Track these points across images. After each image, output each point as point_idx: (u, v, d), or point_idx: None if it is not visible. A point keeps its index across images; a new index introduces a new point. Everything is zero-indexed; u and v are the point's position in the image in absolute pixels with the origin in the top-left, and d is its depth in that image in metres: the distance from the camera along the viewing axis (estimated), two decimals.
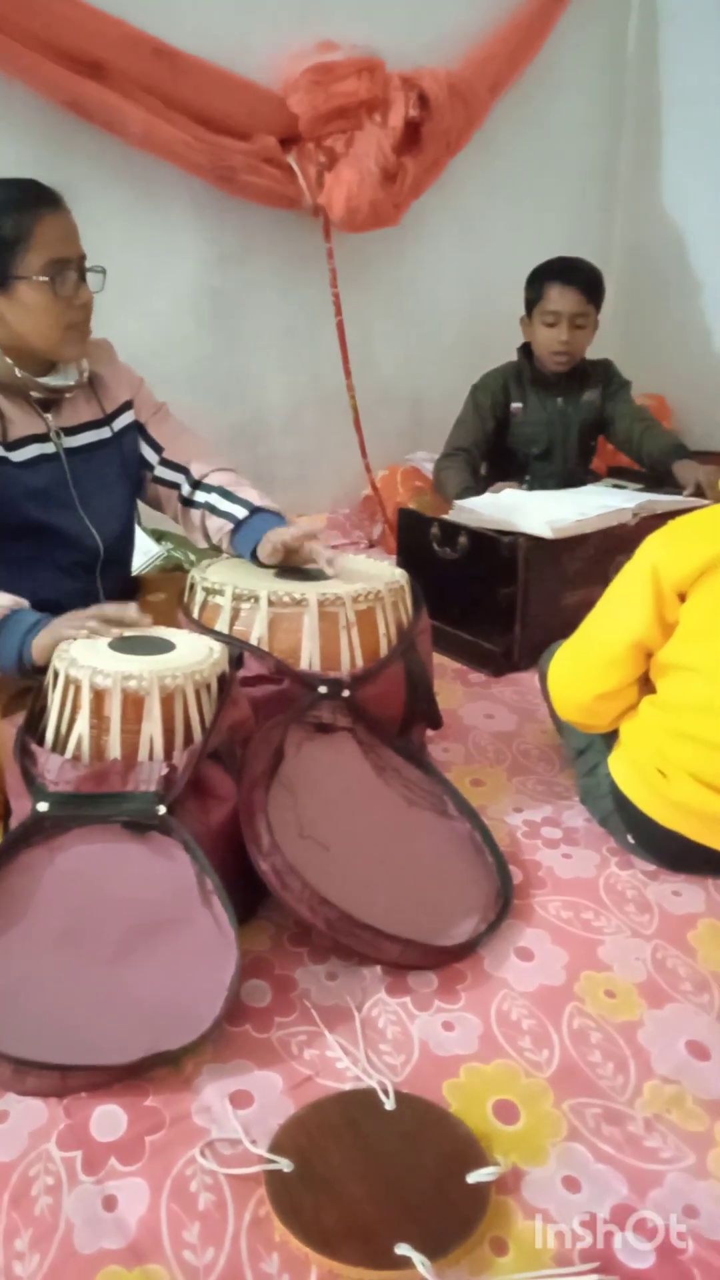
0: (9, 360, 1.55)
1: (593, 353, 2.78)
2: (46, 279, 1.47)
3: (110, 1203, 0.97)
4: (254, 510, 1.71)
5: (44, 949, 1.18)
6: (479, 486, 2.58)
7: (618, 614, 1.48)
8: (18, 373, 1.56)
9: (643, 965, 1.32)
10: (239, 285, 2.81)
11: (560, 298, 2.60)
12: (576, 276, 2.61)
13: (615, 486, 2.68)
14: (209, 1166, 1.01)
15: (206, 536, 1.77)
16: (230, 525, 1.72)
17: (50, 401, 1.62)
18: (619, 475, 2.93)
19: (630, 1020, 1.23)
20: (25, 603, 1.47)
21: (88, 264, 1.54)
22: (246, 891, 1.31)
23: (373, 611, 1.61)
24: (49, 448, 1.61)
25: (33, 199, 1.48)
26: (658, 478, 2.68)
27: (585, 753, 1.65)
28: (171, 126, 2.42)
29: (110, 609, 1.46)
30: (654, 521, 2.23)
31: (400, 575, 1.72)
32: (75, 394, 1.65)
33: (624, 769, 1.51)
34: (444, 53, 2.86)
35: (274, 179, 2.61)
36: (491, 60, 2.93)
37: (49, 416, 1.62)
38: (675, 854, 1.49)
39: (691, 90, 3.27)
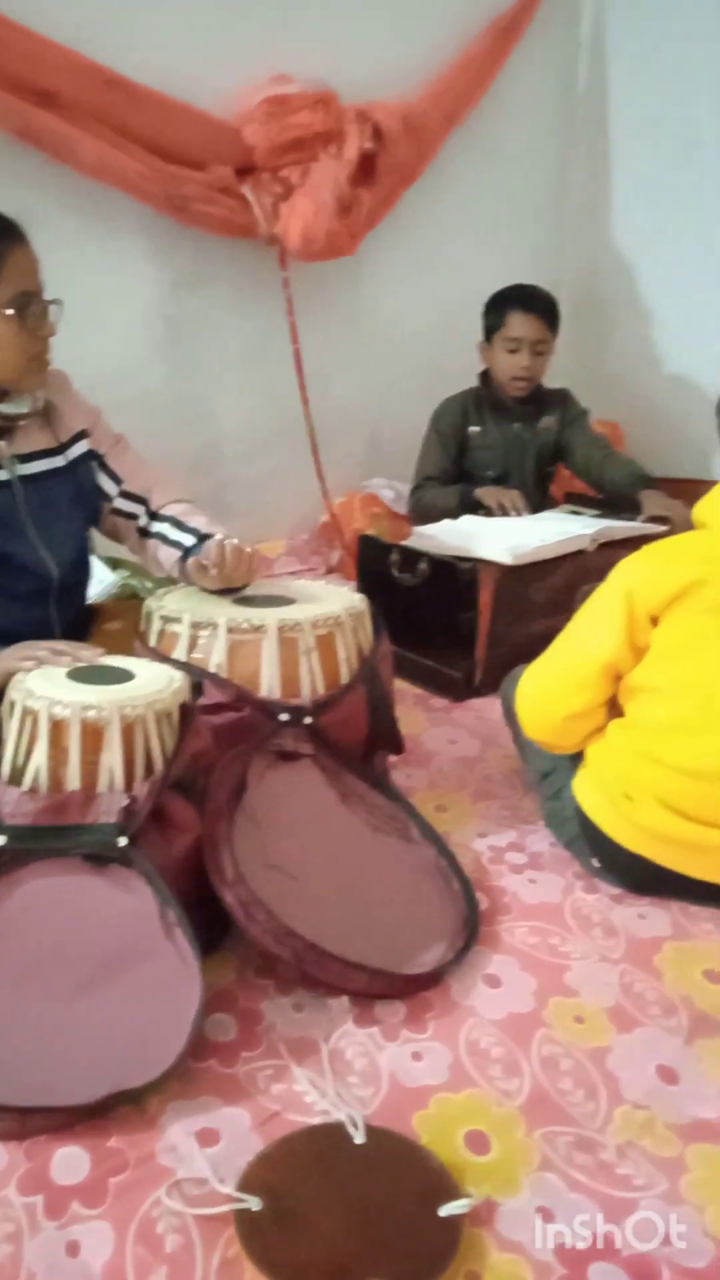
0: None
1: (547, 380, 2.82)
2: (13, 311, 1.48)
3: (73, 1248, 0.94)
4: (202, 538, 1.70)
5: (2, 987, 1.15)
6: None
7: (590, 635, 1.49)
8: None
9: (610, 990, 1.31)
10: (194, 312, 2.81)
11: (522, 324, 2.64)
12: (537, 304, 2.66)
13: (573, 512, 2.70)
14: (175, 1207, 0.98)
15: (160, 566, 1.77)
16: (179, 553, 1.71)
17: (3, 429, 1.61)
18: (575, 501, 2.95)
19: (600, 1046, 1.22)
20: None
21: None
22: (210, 923, 1.29)
23: (333, 637, 1.60)
24: (2, 475, 1.60)
25: (1, 232, 1.48)
26: (614, 504, 2.71)
27: (550, 776, 1.65)
28: (125, 156, 2.42)
29: (64, 645, 1.45)
30: (618, 550, 2.25)
31: (360, 600, 1.72)
32: (29, 422, 1.63)
33: (590, 792, 1.51)
34: (397, 87, 2.89)
35: (229, 209, 2.62)
36: (444, 94, 2.97)
37: (2, 444, 1.60)
38: (641, 878, 1.49)
39: (639, 124, 3.34)
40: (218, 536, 1.66)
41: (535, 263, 3.41)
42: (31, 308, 1.51)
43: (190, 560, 1.67)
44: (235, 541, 1.66)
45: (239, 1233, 0.94)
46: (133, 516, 1.76)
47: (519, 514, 2.55)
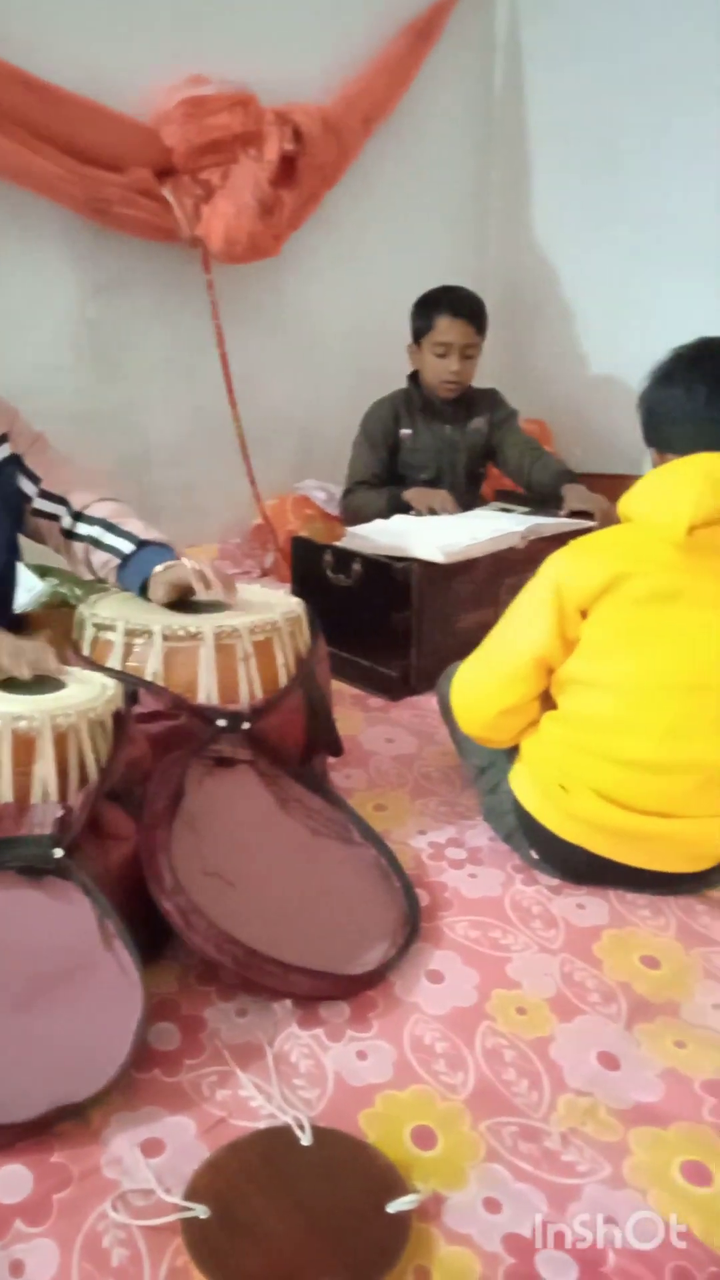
0: None
1: (475, 380, 2.85)
2: None
3: (17, 1268, 0.93)
4: (140, 544, 1.68)
5: None
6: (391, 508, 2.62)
7: (520, 630, 1.51)
8: None
9: (551, 980, 1.33)
10: (118, 317, 2.78)
11: (450, 329, 2.66)
12: (465, 308, 2.68)
13: (502, 510, 2.73)
14: (121, 1220, 0.97)
15: (91, 570, 1.73)
16: (117, 560, 1.68)
17: None
18: (505, 499, 2.98)
19: (542, 1036, 1.23)
20: None
21: None
22: (150, 932, 1.28)
23: (270, 642, 1.60)
24: None
25: None
26: (544, 500, 2.74)
27: (487, 771, 1.67)
28: (42, 159, 2.39)
29: (14, 642, 1.40)
30: (543, 543, 2.29)
31: (297, 604, 1.72)
32: None
33: (526, 785, 1.53)
34: (315, 89, 2.90)
35: (150, 211, 2.60)
36: (363, 95, 2.99)
37: None
38: (578, 867, 1.51)
39: (556, 123, 3.39)
40: (189, 564, 1.62)
41: (459, 263, 3.44)
42: None
43: (152, 578, 1.64)
44: (208, 568, 1.63)
45: (186, 1242, 0.93)
46: (54, 518, 1.71)
47: (448, 515, 2.57)
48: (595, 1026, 1.25)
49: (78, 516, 1.70)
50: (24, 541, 1.81)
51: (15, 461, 1.70)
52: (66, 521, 1.70)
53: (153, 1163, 1.04)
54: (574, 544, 1.51)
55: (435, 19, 3.16)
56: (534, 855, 1.55)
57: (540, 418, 3.48)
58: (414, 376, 2.83)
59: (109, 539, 1.68)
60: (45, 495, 1.71)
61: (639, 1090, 1.15)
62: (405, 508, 2.62)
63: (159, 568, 1.64)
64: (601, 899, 1.50)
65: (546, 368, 3.58)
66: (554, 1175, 1.04)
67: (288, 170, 2.75)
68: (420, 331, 2.73)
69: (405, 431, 2.81)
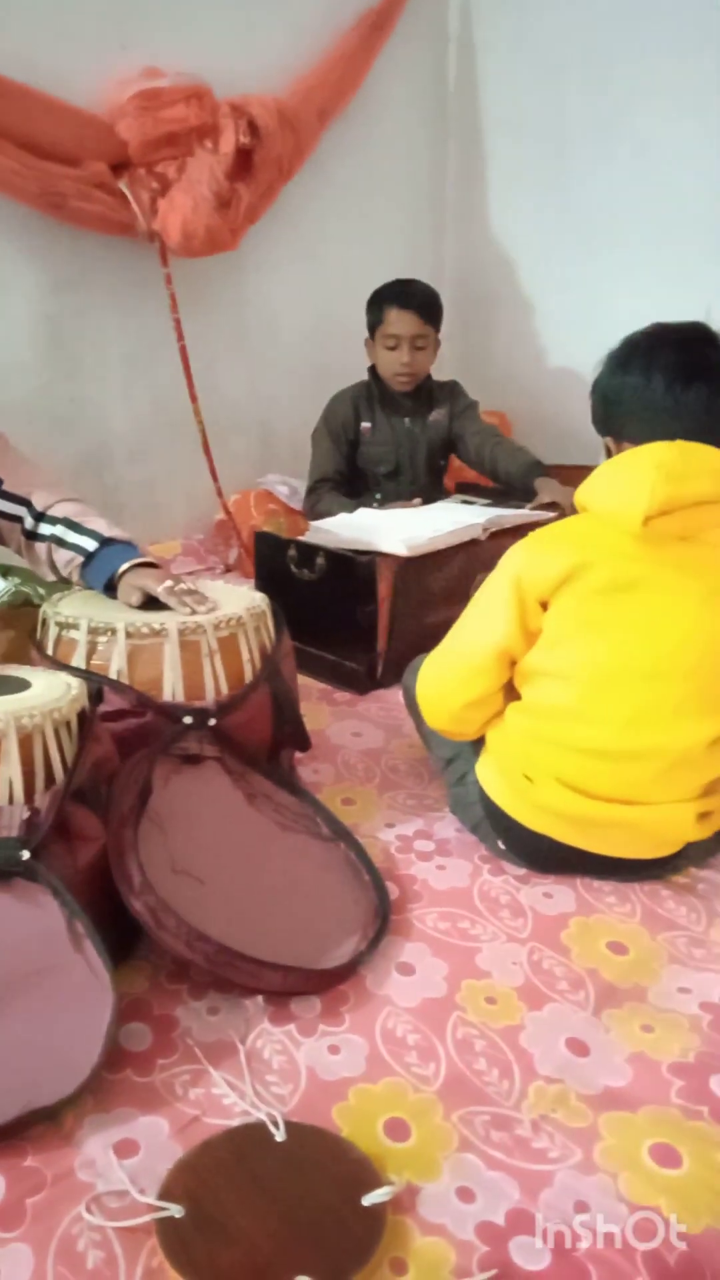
0: None
1: (434, 373, 2.86)
2: None
3: None
4: (104, 541, 1.67)
5: None
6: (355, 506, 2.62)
7: (482, 623, 1.51)
8: None
9: (520, 969, 1.34)
10: (76, 312, 2.76)
11: (398, 320, 2.67)
12: (413, 300, 2.68)
13: (464, 502, 2.74)
14: (96, 1222, 0.97)
15: (55, 569, 1.72)
16: (80, 558, 1.67)
17: None
18: (466, 491, 3.00)
19: (511, 1024, 1.24)
20: None
21: None
22: (120, 932, 1.27)
23: (235, 638, 1.60)
24: None
25: None
26: (506, 492, 2.76)
27: (453, 762, 1.67)
28: None
29: None
30: (510, 536, 2.29)
31: (261, 599, 1.71)
32: None
33: (492, 775, 1.54)
34: (269, 81, 2.88)
35: (106, 205, 2.58)
36: (318, 88, 2.98)
37: None
38: (544, 856, 1.53)
39: (510, 116, 3.40)
40: (166, 583, 1.61)
41: (416, 256, 3.45)
42: None
43: (123, 581, 1.63)
44: (184, 586, 1.62)
45: (161, 1242, 0.94)
46: (16, 519, 1.71)
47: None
48: (564, 1014, 1.26)
49: (40, 517, 1.69)
50: None
51: None
52: (29, 523, 1.69)
53: (127, 1164, 1.03)
54: (532, 536, 1.52)
55: (389, 11, 3.15)
56: (501, 845, 1.56)
57: (500, 409, 3.50)
58: (373, 370, 2.83)
59: (72, 537, 1.68)
60: (6, 496, 1.70)
61: (608, 1075, 1.17)
62: None
63: (125, 568, 1.63)
64: (568, 887, 1.52)
65: (505, 360, 3.60)
66: (526, 1162, 1.05)
67: (244, 164, 2.74)
68: (373, 324, 2.75)
69: (365, 425, 2.81)
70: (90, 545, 1.66)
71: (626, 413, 1.46)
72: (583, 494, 1.47)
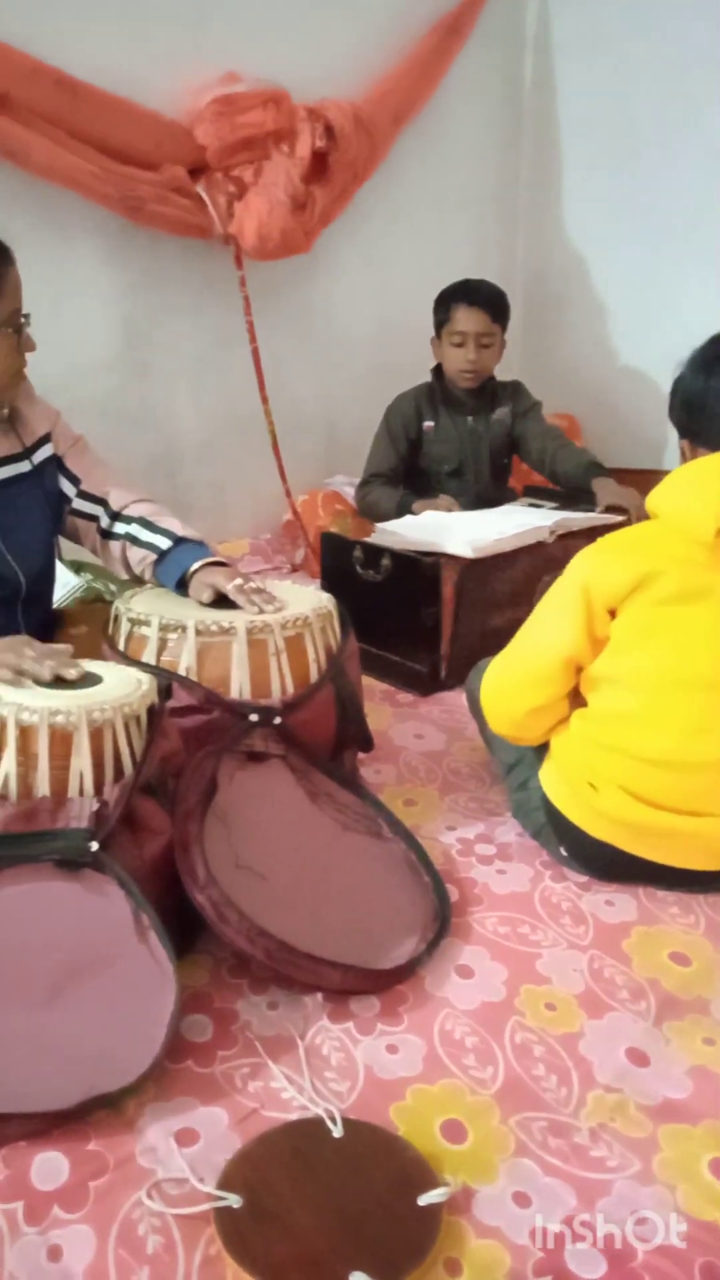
0: None
1: (500, 374, 2.85)
2: (12, 330, 1.51)
3: (55, 1253, 0.95)
4: (177, 540, 1.70)
5: None
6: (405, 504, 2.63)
7: (549, 629, 1.51)
8: None
9: (580, 976, 1.34)
10: (149, 314, 2.80)
11: (466, 318, 2.68)
12: (480, 297, 2.69)
13: (531, 505, 2.73)
14: (156, 1208, 0.99)
15: (128, 567, 1.76)
16: (154, 556, 1.70)
17: None
18: (534, 494, 2.98)
19: (571, 1032, 1.24)
20: None
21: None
22: (183, 925, 1.30)
23: (301, 638, 1.61)
24: None
25: None
26: (573, 495, 2.74)
27: (516, 767, 1.67)
28: (76, 157, 2.41)
29: (38, 648, 1.41)
30: (577, 540, 2.28)
31: (327, 600, 1.73)
32: None
33: (555, 782, 1.53)
34: (346, 85, 2.91)
35: (183, 209, 2.62)
36: (393, 92, 2.99)
37: None
38: (607, 864, 1.52)
39: (585, 117, 3.38)
40: (236, 581, 1.63)
41: (486, 258, 3.44)
42: (23, 326, 1.54)
43: (195, 578, 1.66)
44: (253, 584, 1.65)
45: (219, 1231, 0.95)
46: (93, 518, 1.75)
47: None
48: (624, 1023, 1.25)
49: (115, 516, 1.73)
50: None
51: (56, 462, 1.73)
52: (105, 521, 1.74)
53: (186, 1152, 1.05)
54: (601, 542, 1.51)
55: (466, 14, 3.16)
56: (563, 852, 1.56)
57: (568, 412, 3.47)
58: (437, 370, 2.84)
59: (146, 536, 1.71)
60: (84, 495, 1.75)
61: (668, 1087, 1.16)
62: (412, 515, 2.61)
63: (196, 567, 1.65)
64: (630, 896, 1.51)
65: (575, 362, 3.57)
66: (583, 1170, 1.05)
67: (319, 167, 2.76)
68: (440, 323, 2.76)
69: (428, 424, 2.82)
70: (164, 544, 1.69)
71: (707, 417, 1.43)
72: (654, 500, 1.45)
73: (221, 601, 1.65)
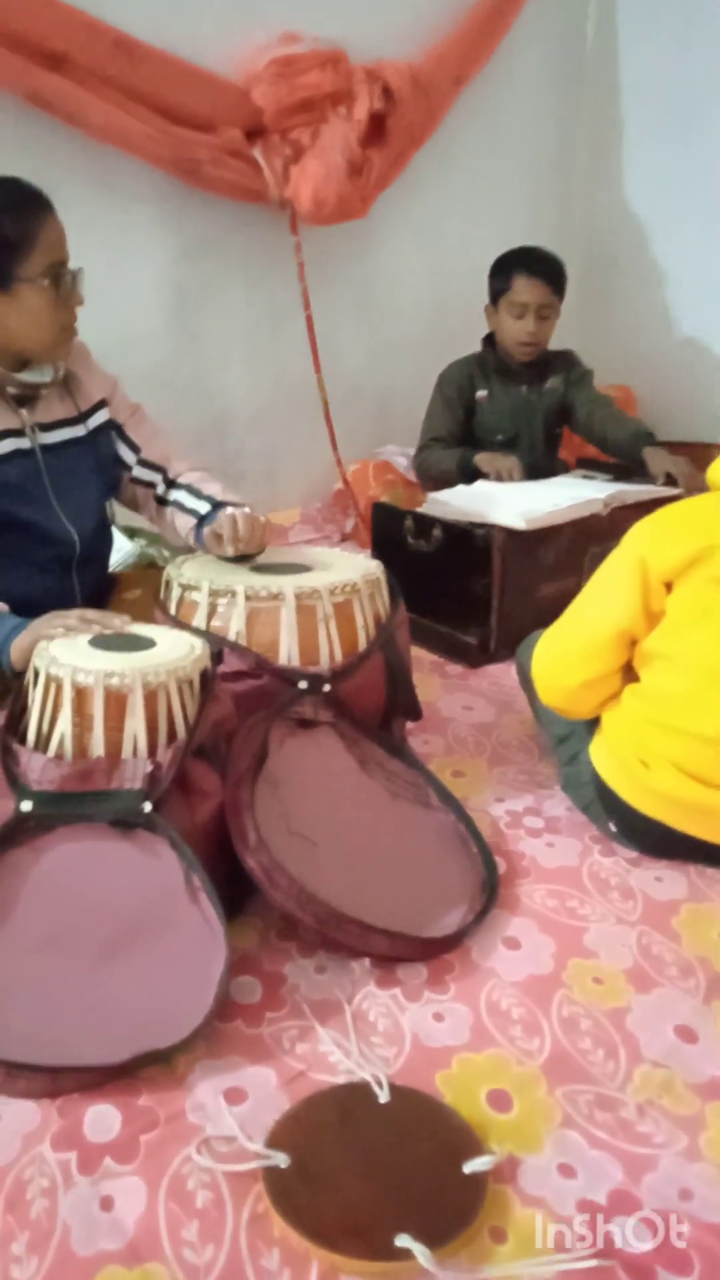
0: None
1: (555, 344, 2.81)
2: (49, 282, 1.50)
3: (107, 1203, 0.97)
4: (216, 505, 1.71)
5: (31, 950, 1.17)
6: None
7: (604, 602, 1.49)
8: None
9: (629, 951, 1.33)
10: (203, 280, 2.79)
11: (527, 289, 2.62)
12: (542, 268, 2.63)
13: (585, 477, 2.69)
14: (205, 1164, 1.00)
15: (178, 533, 1.78)
16: (194, 520, 1.72)
17: (25, 398, 1.61)
18: (588, 465, 2.94)
19: (618, 1006, 1.23)
20: (4, 606, 1.46)
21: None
22: (233, 888, 1.30)
23: (350, 604, 1.61)
24: (24, 443, 1.60)
25: (33, 201, 1.50)
26: (626, 467, 2.70)
27: (566, 741, 1.66)
28: (133, 119, 2.40)
29: (92, 613, 1.45)
30: (626, 511, 2.25)
31: (376, 566, 1.72)
32: (50, 392, 1.64)
33: (605, 757, 1.52)
34: (405, 46, 2.85)
35: (239, 172, 2.60)
36: (452, 53, 2.94)
37: (24, 412, 1.60)
38: (657, 841, 1.50)
39: (648, 80, 3.30)
40: (228, 509, 1.66)
41: (542, 225, 3.38)
42: (64, 278, 1.52)
43: (205, 529, 1.68)
44: (247, 510, 1.67)
45: (267, 1189, 0.96)
46: (151, 485, 1.77)
47: (515, 481, 2.54)
48: (672, 1000, 1.25)
49: (171, 484, 1.76)
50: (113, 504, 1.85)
51: (114, 428, 1.75)
52: (160, 489, 1.77)
53: (235, 1110, 1.06)
54: (658, 515, 1.48)
55: None
56: (612, 828, 1.54)
57: (625, 384, 3.42)
58: (489, 339, 2.79)
59: (190, 502, 1.73)
60: (144, 464, 1.77)
61: (716, 1065, 1.15)
62: (474, 471, 2.59)
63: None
64: (680, 873, 1.49)
65: (631, 333, 3.51)
66: (630, 1145, 1.05)
67: (377, 130, 2.72)
68: (497, 292, 2.69)
69: (481, 393, 2.78)
70: (204, 508, 1.71)
71: None
72: (715, 472, 1.43)
73: (271, 567, 1.66)
